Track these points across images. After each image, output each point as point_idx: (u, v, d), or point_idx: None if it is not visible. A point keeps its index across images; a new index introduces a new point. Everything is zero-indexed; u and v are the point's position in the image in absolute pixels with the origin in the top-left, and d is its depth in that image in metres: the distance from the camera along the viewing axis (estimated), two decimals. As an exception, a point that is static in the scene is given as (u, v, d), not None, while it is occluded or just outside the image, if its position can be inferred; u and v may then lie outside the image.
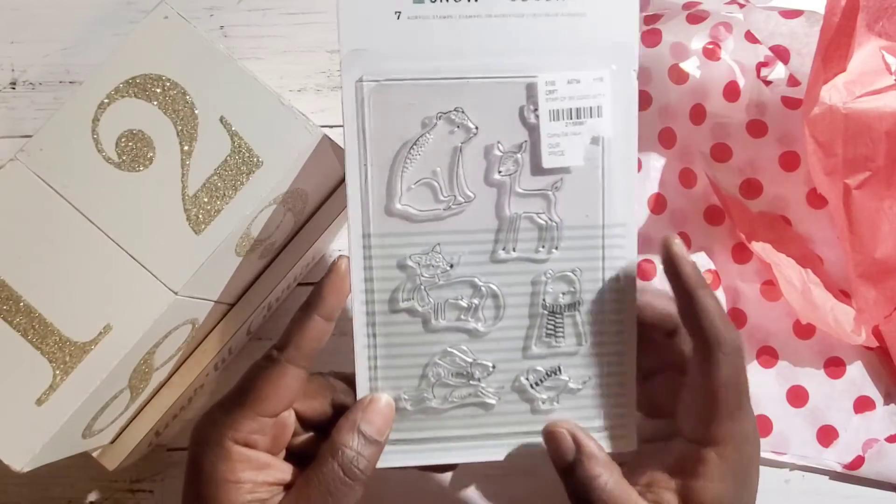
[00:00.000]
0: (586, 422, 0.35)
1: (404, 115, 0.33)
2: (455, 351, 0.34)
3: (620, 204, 0.34)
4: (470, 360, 0.35)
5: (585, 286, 0.35)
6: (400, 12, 0.33)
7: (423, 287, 0.34)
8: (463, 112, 0.33)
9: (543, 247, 0.34)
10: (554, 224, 0.34)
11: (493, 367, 0.35)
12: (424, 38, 0.33)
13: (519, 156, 0.34)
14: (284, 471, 0.34)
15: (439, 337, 0.34)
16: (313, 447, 0.35)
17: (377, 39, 0.33)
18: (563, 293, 0.35)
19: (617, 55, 0.34)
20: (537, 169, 0.34)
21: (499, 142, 0.34)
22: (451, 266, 0.34)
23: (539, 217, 0.34)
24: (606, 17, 0.34)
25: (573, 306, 0.35)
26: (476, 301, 0.34)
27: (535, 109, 0.34)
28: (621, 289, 0.35)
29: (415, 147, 0.33)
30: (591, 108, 0.34)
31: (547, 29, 0.33)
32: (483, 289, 0.34)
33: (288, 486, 0.33)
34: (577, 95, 0.34)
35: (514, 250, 0.34)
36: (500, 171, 0.34)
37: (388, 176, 0.33)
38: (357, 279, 0.34)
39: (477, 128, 0.34)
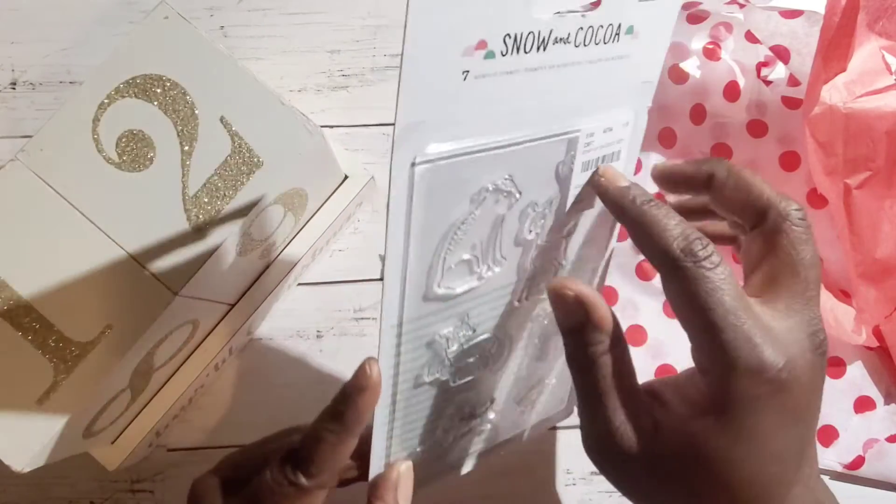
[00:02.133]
0: (554, 409, 0.37)
1: (455, 194, 0.28)
2: (464, 401, 0.34)
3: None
4: (476, 405, 0.35)
5: None
6: (468, 72, 0.25)
7: (447, 357, 0.32)
8: (511, 180, 0.29)
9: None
10: (564, 266, 0.34)
11: (493, 400, 0.35)
12: (487, 100, 0.27)
13: (546, 211, 0.31)
14: None
15: (454, 396, 0.33)
16: None
17: (439, 108, 0.26)
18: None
19: (640, 94, 0.32)
20: (559, 220, 0.32)
21: (535, 202, 0.30)
22: (474, 330, 0.32)
23: (552, 262, 0.33)
24: (642, 57, 0.31)
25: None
26: (490, 352, 0.33)
27: (572, 162, 0.31)
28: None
29: (462, 226, 0.29)
30: (612, 153, 0.32)
31: (597, 74, 0.29)
32: (496, 338, 0.33)
33: None
34: (605, 143, 0.31)
35: (526, 299, 0.33)
36: (530, 231, 0.31)
37: (431, 260, 0.29)
38: (385, 366, 0.30)
39: (521, 193, 0.30)
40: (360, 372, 0.28)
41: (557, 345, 0.36)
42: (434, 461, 0.35)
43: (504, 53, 0.26)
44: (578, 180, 0.31)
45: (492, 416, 0.35)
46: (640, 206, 0.29)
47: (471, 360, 0.33)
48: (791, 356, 0.27)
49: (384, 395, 0.30)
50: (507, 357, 0.34)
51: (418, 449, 0.33)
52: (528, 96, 0.28)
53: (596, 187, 0.31)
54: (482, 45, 0.25)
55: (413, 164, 0.26)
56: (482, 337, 0.32)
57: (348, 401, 0.29)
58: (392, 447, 0.32)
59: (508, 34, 0.25)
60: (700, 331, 0.28)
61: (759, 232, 0.30)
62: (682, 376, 0.31)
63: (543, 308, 0.34)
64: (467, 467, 0.36)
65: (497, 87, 0.26)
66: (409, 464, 0.32)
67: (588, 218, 0.33)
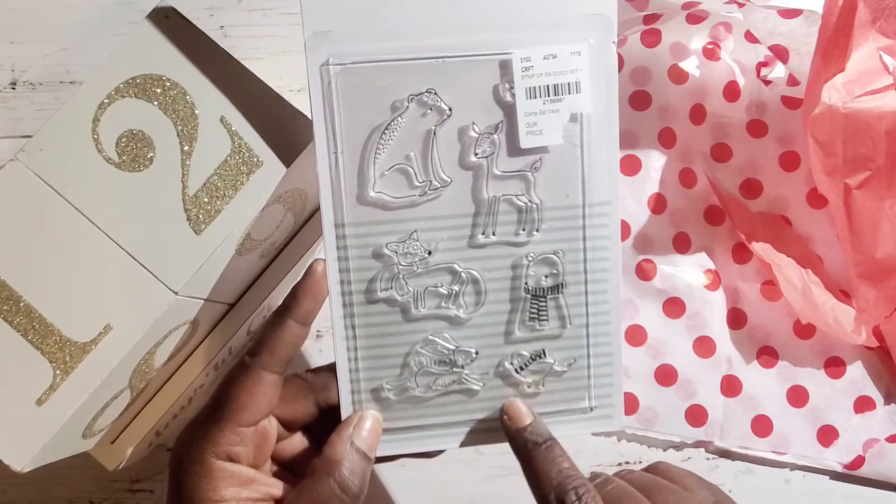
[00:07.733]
0: (572, 403, 0.35)
1: (374, 99, 0.32)
2: (436, 339, 0.34)
3: (603, 182, 0.34)
4: (452, 347, 0.34)
5: (568, 267, 0.34)
6: None
7: (401, 276, 0.33)
8: (435, 93, 0.32)
9: (524, 229, 0.34)
10: (534, 206, 0.33)
11: (477, 353, 0.34)
12: (392, 17, 0.32)
13: (495, 136, 0.33)
14: (270, 484, 0.33)
15: (420, 325, 0.34)
16: (300, 449, 0.35)
17: (342, 20, 0.31)
18: (546, 276, 0.34)
19: (595, 27, 0.33)
20: (515, 149, 0.33)
21: (474, 123, 0.33)
22: (430, 253, 0.33)
23: (518, 199, 0.33)
24: None
25: (556, 288, 0.34)
26: (456, 287, 0.34)
27: (511, 87, 0.32)
28: (605, 268, 0.34)
29: (386, 132, 0.32)
30: (568, 83, 0.33)
31: (522, 2, 0.32)
32: (463, 275, 0.34)
33: (276, 500, 0.33)
34: (553, 71, 0.32)
35: (493, 234, 0.34)
36: (476, 153, 0.33)
37: (360, 163, 0.32)
38: (332, 270, 0.33)
39: (450, 109, 0.32)
40: (308, 268, 0.33)
41: (561, 310, 0.35)
42: (412, 412, 0.34)
43: None
44: (527, 107, 0.32)
45: (478, 375, 0.35)
46: (530, 450, 0.32)
47: (432, 287, 0.34)
48: None
49: (336, 303, 0.33)
50: (481, 302, 0.34)
51: (387, 386, 0.34)
52: (440, 17, 0.32)
53: (502, 424, 0.34)
54: None
55: (326, 65, 0.31)
56: (444, 265, 0.33)
57: (291, 292, 0.33)
58: (359, 371, 0.33)
59: None
60: None
61: None
62: None
63: (525, 255, 0.34)
64: (453, 441, 0.35)
65: (403, 6, 0.31)
66: (377, 414, 0.34)
67: (555, 154, 0.33)
